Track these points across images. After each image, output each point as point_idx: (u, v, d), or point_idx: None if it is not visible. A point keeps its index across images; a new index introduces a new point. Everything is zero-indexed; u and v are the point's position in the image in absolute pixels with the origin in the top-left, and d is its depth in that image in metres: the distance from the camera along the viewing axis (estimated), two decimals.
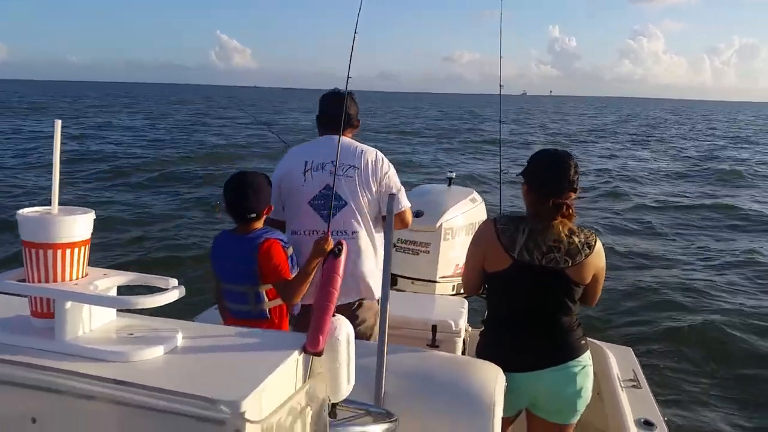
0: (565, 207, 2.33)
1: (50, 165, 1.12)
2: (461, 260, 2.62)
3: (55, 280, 1.06)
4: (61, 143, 1.09)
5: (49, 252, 1.06)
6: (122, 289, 1.16)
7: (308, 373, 1.11)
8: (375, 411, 1.62)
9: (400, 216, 2.93)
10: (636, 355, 3.64)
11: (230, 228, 2.65)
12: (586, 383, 2.42)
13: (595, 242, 2.39)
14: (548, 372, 2.37)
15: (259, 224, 2.62)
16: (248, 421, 0.87)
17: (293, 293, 2.51)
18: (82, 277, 1.10)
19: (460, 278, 3.14)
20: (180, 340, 1.10)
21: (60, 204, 1.12)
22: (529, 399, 2.44)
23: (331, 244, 2.70)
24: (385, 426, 1.50)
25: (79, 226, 1.08)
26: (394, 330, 3.03)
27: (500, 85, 3.96)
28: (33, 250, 1.06)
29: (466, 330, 3.36)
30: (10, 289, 1.09)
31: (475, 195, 4.48)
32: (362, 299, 2.93)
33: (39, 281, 1.07)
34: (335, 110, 2.84)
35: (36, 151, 20.24)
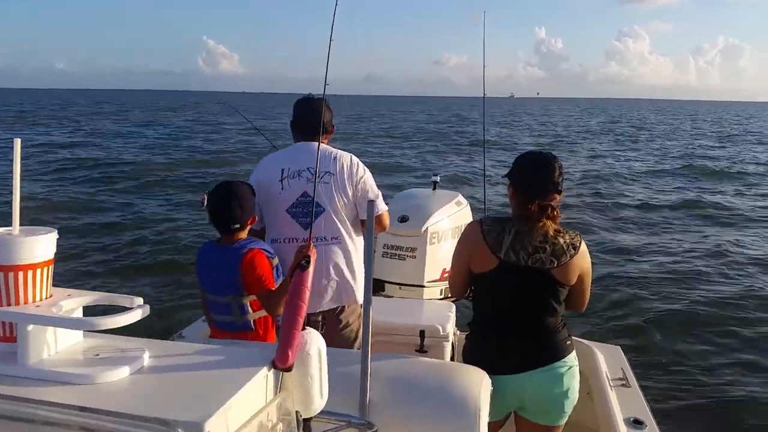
0: (550, 209, 2.36)
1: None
2: (448, 264, 2.63)
3: (17, 303, 1.04)
4: (21, 161, 1.07)
5: (10, 274, 1.03)
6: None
7: (278, 388, 1.09)
8: (357, 422, 1.61)
9: (378, 219, 2.94)
10: (624, 354, 3.64)
11: (215, 239, 2.64)
12: (573, 384, 2.42)
13: (580, 243, 2.41)
14: (534, 373, 2.38)
15: (244, 234, 2.61)
16: None
17: (276, 304, 2.49)
18: (47, 298, 1.07)
19: (448, 282, 3.14)
20: (147, 359, 1.08)
21: (25, 223, 1.09)
22: (516, 401, 2.44)
23: (314, 253, 2.69)
24: None
25: (41, 246, 1.06)
26: (382, 336, 3.02)
27: (483, 94, 4.00)
28: None
29: (454, 334, 3.35)
30: None
31: (461, 198, 4.47)
32: (345, 304, 2.92)
33: (0, 304, 1.05)
34: (308, 116, 2.87)
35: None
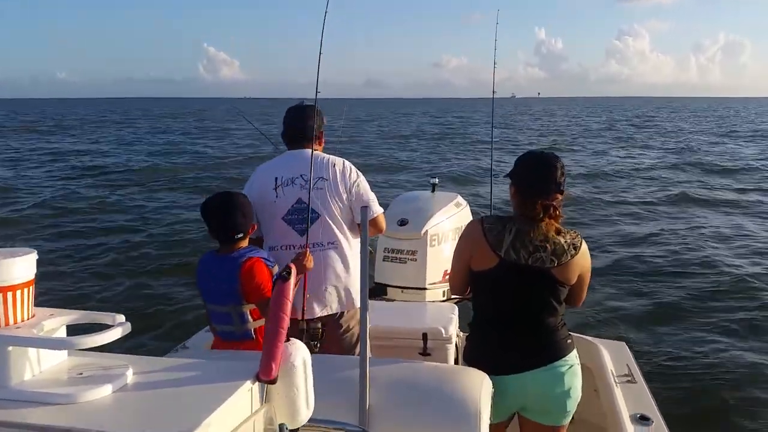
0: (551, 208, 2.36)
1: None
2: (449, 265, 2.63)
3: None
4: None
5: None
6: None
7: (263, 401, 1.09)
8: (352, 429, 1.61)
9: (374, 222, 2.93)
10: (630, 349, 3.62)
11: (215, 248, 2.64)
12: (575, 383, 2.42)
13: (581, 243, 2.41)
14: (535, 373, 2.37)
15: (244, 243, 2.61)
16: None
17: None
18: (29, 318, 1.07)
19: (448, 280, 3.14)
20: (130, 376, 1.08)
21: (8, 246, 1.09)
22: (518, 402, 2.44)
23: (310, 260, 2.69)
24: None
25: (19, 268, 1.05)
26: (385, 341, 3.02)
27: (493, 91, 4.00)
28: None
29: (457, 336, 3.34)
30: None
31: (460, 199, 4.47)
32: (345, 310, 2.91)
33: None
34: (299, 123, 2.90)
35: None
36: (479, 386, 2.06)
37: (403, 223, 4.02)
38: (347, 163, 2.96)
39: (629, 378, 3.21)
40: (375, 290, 4.01)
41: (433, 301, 3.96)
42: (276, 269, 2.61)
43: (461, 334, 3.46)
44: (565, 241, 2.36)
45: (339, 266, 2.88)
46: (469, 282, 2.51)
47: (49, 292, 6.53)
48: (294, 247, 2.81)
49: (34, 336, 1.02)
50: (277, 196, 2.87)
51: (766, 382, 5.41)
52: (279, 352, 1.12)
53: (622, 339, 3.93)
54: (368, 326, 2.11)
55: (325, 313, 2.87)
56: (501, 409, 2.35)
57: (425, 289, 4.02)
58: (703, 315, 6.93)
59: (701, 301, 7.40)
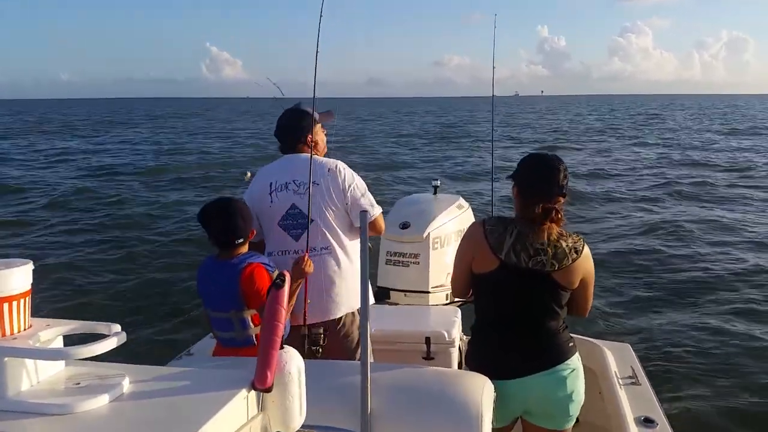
0: (553, 211, 2.34)
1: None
2: (452, 268, 2.63)
3: None
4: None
5: None
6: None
7: (259, 409, 1.09)
8: None
9: (372, 224, 2.91)
10: (634, 351, 3.61)
11: (215, 254, 2.62)
12: (577, 386, 2.41)
13: (583, 247, 2.39)
14: (538, 377, 2.36)
15: (245, 249, 2.60)
16: None
17: None
18: (26, 329, 1.07)
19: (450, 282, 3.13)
20: (126, 386, 1.08)
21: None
22: (521, 406, 2.43)
23: (309, 265, 2.67)
24: None
25: (16, 279, 1.05)
26: (388, 345, 3.01)
27: (492, 93, 3.99)
28: None
29: (461, 339, 3.33)
30: None
31: (462, 201, 4.46)
32: (344, 314, 2.89)
33: None
34: (292, 126, 2.89)
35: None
36: (481, 390, 2.06)
37: (405, 226, 4.01)
38: (341, 165, 2.92)
39: (633, 380, 3.19)
40: (378, 294, 4.01)
41: (437, 305, 3.96)
42: (276, 275, 2.60)
43: (465, 337, 3.45)
44: (567, 245, 2.35)
45: (336, 271, 2.86)
46: (471, 284, 2.50)
47: (55, 296, 6.53)
48: (289, 253, 2.80)
49: (30, 347, 1.03)
50: (272, 202, 2.86)
51: None
52: (274, 361, 1.13)
53: (625, 341, 3.91)
54: (371, 330, 2.10)
55: (326, 318, 2.86)
56: (504, 414, 2.35)
57: (428, 292, 4.03)
58: (709, 317, 6.90)
59: (706, 303, 7.37)
